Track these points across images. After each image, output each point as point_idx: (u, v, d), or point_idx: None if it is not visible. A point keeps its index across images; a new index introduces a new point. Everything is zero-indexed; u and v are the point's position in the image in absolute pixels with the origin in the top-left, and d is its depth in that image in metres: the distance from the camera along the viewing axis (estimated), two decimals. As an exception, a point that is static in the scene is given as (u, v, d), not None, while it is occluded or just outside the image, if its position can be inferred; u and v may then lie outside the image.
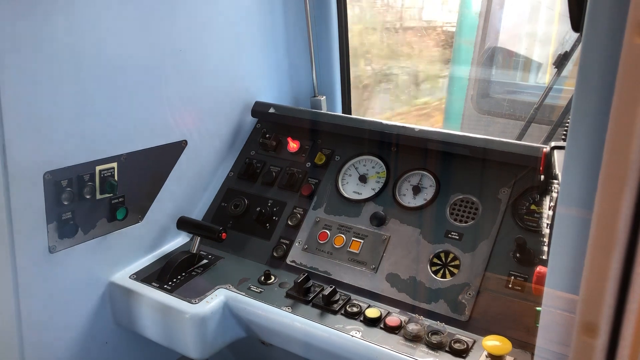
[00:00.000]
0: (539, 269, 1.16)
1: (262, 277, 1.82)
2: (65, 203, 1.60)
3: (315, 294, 1.71)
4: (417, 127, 1.93)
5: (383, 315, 1.62)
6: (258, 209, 2.02)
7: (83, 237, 1.70)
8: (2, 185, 1.44)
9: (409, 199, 1.89)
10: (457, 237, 1.75)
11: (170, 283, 1.80)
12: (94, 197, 1.69)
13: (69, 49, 1.55)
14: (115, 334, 1.88)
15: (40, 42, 1.47)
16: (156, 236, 1.98)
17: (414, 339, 1.52)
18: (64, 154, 1.60)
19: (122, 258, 1.87)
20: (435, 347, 1.50)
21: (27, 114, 1.47)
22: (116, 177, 1.74)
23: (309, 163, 2.10)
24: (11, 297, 1.53)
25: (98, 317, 1.81)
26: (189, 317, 1.68)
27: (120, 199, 1.78)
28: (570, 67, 2.34)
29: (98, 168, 1.69)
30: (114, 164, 1.74)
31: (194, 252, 1.91)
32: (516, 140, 1.97)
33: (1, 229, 1.47)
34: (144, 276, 1.85)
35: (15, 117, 1.44)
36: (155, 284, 1.81)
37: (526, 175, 1.76)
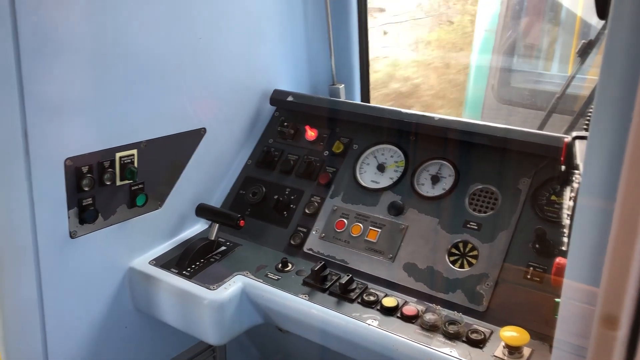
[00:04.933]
0: (559, 260, 1.15)
1: (280, 265, 1.83)
2: (86, 189, 1.62)
3: (332, 282, 1.72)
4: (437, 115, 1.92)
5: (400, 305, 1.61)
6: (276, 197, 2.02)
7: (103, 222, 1.72)
8: (24, 171, 1.47)
9: (427, 189, 1.88)
10: (476, 227, 1.74)
11: (189, 269, 1.82)
12: (114, 184, 1.71)
13: (89, 38, 1.56)
14: (135, 318, 1.91)
15: (60, 31, 1.48)
16: (175, 223, 2.00)
17: (431, 328, 1.52)
18: (85, 141, 1.61)
19: (141, 244, 1.89)
20: (452, 337, 1.49)
21: (48, 102, 1.49)
22: (136, 164, 1.76)
23: (327, 151, 2.09)
24: (33, 281, 1.56)
25: (118, 301, 1.84)
26: (207, 303, 1.69)
27: (140, 186, 1.80)
28: (594, 56, 2.31)
29: (118, 155, 1.70)
30: (134, 151, 1.75)
31: (213, 238, 1.92)
32: (537, 130, 1.94)
33: (23, 214, 1.49)
34: (163, 262, 1.87)
35: (37, 104, 1.45)
36: (174, 270, 1.83)
37: (547, 165, 1.74)
